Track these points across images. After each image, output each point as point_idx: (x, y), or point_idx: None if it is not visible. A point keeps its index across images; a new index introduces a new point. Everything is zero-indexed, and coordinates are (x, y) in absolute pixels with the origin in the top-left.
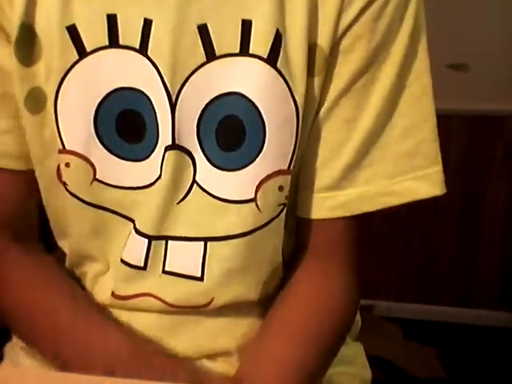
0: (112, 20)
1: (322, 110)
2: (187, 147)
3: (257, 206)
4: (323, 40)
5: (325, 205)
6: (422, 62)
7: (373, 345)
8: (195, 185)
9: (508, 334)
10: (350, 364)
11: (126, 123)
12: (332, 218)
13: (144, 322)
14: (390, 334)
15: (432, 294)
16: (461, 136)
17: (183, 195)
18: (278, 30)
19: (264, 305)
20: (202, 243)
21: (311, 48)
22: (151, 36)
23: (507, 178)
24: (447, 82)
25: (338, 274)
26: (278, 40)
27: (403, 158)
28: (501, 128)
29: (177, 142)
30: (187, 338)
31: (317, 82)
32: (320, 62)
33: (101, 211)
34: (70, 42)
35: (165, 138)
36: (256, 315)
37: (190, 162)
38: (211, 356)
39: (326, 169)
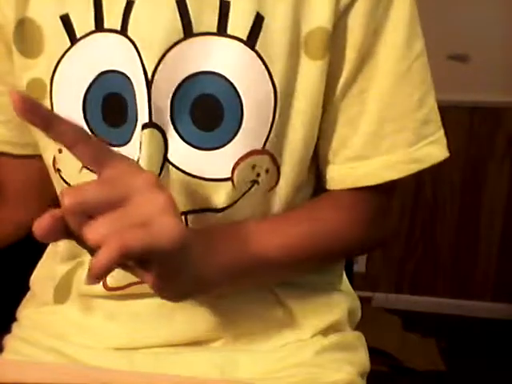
0: (98, 4)
1: (339, 88)
2: (161, 125)
3: (233, 184)
4: (325, 21)
5: (350, 175)
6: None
7: (372, 336)
8: (167, 162)
9: (506, 326)
10: (350, 351)
11: (110, 107)
12: (357, 188)
13: (137, 310)
14: (389, 325)
15: (431, 286)
16: (461, 127)
17: (157, 173)
18: (258, 13)
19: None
20: (183, 217)
21: (306, 33)
22: (131, 16)
23: (507, 170)
24: (447, 72)
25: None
26: (258, 22)
27: (420, 126)
28: (501, 119)
29: (153, 119)
30: (181, 324)
31: (321, 65)
32: (321, 44)
33: None
34: (64, 31)
35: (142, 117)
36: (249, 299)
37: (162, 139)
38: (203, 342)
39: (349, 141)
